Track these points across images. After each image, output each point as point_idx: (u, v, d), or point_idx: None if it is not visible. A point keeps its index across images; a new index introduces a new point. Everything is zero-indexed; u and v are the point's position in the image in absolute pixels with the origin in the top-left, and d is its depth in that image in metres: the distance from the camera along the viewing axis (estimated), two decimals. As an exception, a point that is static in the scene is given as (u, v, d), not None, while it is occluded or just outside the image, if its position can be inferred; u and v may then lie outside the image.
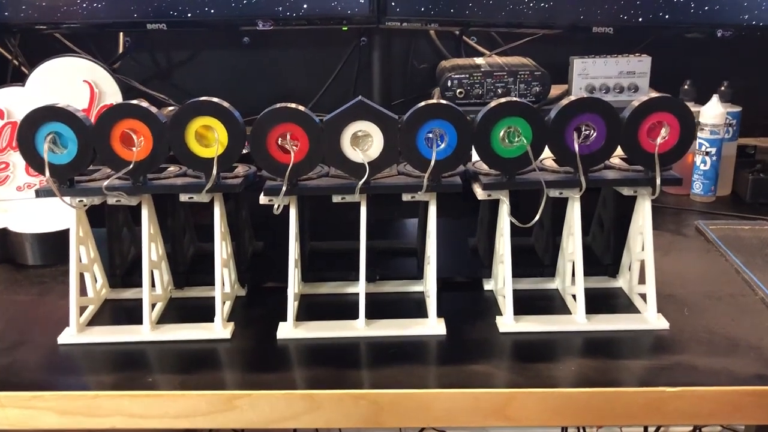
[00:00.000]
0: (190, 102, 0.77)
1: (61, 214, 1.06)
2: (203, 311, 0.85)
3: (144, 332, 0.81)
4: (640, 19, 1.26)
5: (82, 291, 0.85)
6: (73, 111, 0.78)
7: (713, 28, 1.24)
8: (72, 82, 1.09)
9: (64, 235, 0.99)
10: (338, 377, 0.73)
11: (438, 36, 1.51)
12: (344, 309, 0.85)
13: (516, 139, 0.79)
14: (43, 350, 0.79)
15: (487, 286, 0.91)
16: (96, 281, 0.88)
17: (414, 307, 0.87)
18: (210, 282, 0.83)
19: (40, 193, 0.80)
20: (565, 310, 0.85)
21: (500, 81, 1.28)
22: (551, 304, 0.87)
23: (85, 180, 0.81)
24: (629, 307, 0.86)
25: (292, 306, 0.81)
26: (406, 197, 0.81)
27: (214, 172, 0.78)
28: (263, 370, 0.75)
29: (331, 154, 0.79)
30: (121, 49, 1.42)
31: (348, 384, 0.72)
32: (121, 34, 1.43)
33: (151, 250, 0.83)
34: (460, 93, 1.27)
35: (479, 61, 1.38)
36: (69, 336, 0.80)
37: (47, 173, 0.77)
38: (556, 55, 1.33)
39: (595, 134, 0.78)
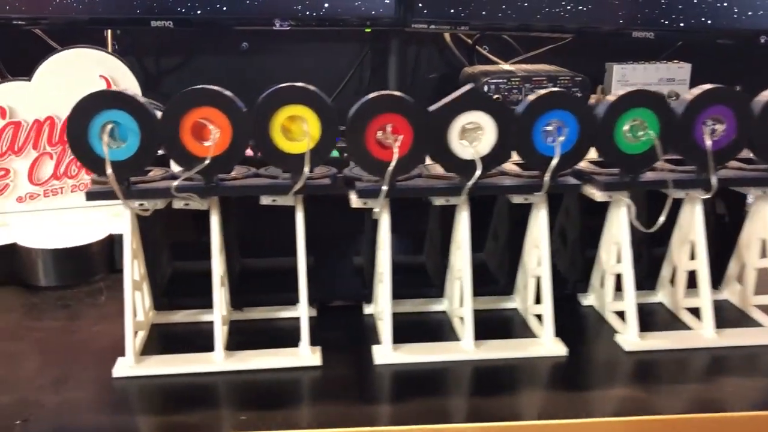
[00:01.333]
0: (276, 89, 0.66)
1: (76, 227, 0.92)
2: (271, 335, 0.73)
3: (217, 361, 0.68)
4: (681, 24, 1.21)
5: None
6: (135, 96, 0.65)
7: (756, 34, 1.20)
8: (86, 76, 0.95)
9: (80, 252, 0.86)
10: (460, 407, 0.62)
11: (447, 45, 1.43)
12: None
13: (640, 133, 0.71)
14: (94, 386, 0.65)
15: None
16: (144, 302, 0.75)
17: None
18: (264, 302, 0.73)
19: (90, 196, 0.67)
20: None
21: (540, 86, 1.20)
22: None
23: (138, 181, 0.69)
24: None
25: (388, 328, 0.70)
26: (517, 199, 0.72)
27: (306, 170, 0.66)
28: (380, 401, 0.63)
29: (437, 149, 0.69)
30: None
31: (484, 415, 0.61)
32: (109, 35, 1.29)
33: (217, 265, 0.71)
34: (497, 98, 1.20)
35: (507, 67, 1.31)
36: (125, 368, 0.67)
37: (109, 169, 0.64)
38: (570, 64, 1.28)
39: (724, 128, 0.71)
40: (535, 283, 0.75)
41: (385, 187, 0.67)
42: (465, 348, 0.71)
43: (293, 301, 0.73)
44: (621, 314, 0.75)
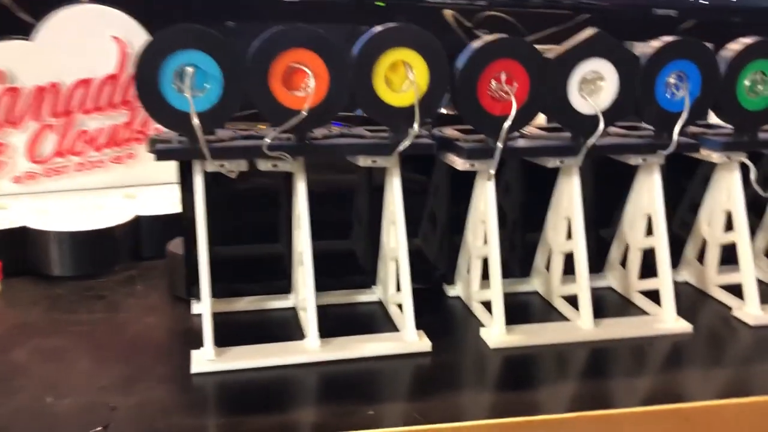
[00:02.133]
0: (383, 29, 0.57)
1: (95, 210, 0.79)
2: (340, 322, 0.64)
3: (311, 350, 0.58)
4: (707, 2, 1.18)
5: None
6: (218, 36, 0.55)
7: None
8: (96, 37, 0.82)
9: (102, 237, 0.74)
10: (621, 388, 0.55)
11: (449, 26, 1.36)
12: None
13: (760, 87, 0.65)
14: (170, 384, 0.54)
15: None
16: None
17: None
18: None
19: (160, 155, 0.56)
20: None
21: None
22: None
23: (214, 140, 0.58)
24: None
25: (499, 310, 0.62)
26: (636, 161, 0.65)
27: (416, 125, 0.57)
28: (513, 387, 0.55)
29: (554, 102, 0.61)
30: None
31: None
32: None
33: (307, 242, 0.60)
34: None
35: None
36: (204, 362, 0.56)
37: (195, 119, 0.53)
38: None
39: None
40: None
41: (500, 145, 0.59)
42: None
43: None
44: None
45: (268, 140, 0.55)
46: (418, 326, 0.60)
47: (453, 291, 0.71)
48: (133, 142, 0.87)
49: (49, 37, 0.81)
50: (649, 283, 0.68)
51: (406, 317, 0.60)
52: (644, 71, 0.62)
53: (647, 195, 0.67)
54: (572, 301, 0.66)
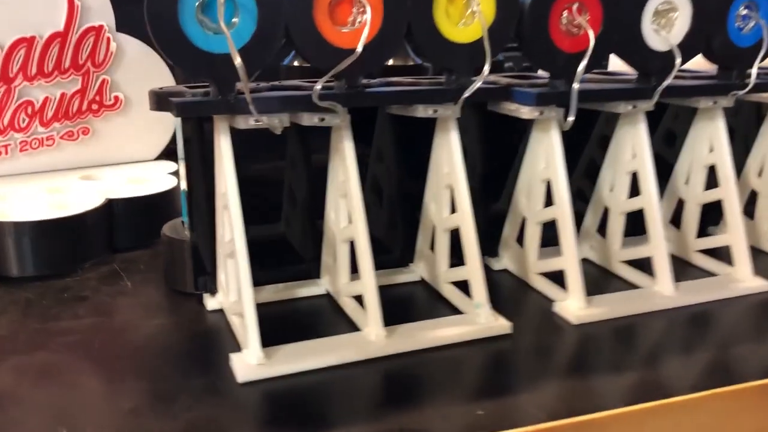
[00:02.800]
0: (439, -51, 0.47)
1: (50, 195, 0.65)
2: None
3: (376, 343, 0.47)
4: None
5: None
6: (250, -45, 0.43)
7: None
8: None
9: (69, 228, 0.60)
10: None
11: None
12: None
13: (825, 19, 0.60)
14: (217, 398, 0.42)
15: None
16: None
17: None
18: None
19: (183, 109, 0.44)
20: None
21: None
22: None
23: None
24: None
25: (577, 279, 0.53)
26: (705, 103, 0.58)
27: (486, 67, 0.48)
28: (631, 366, 0.46)
29: (625, 37, 0.53)
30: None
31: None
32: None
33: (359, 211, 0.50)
34: None
35: None
36: (251, 368, 0.44)
37: (237, 58, 0.41)
38: None
39: None
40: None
41: (576, 86, 0.51)
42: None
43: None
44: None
45: (318, 87, 0.44)
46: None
47: (498, 264, 0.62)
48: (87, 115, 0.73)
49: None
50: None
51: (477, 293, 0.51)
52: (716, 1, 0.55)
53: (715, 143, 0.60)
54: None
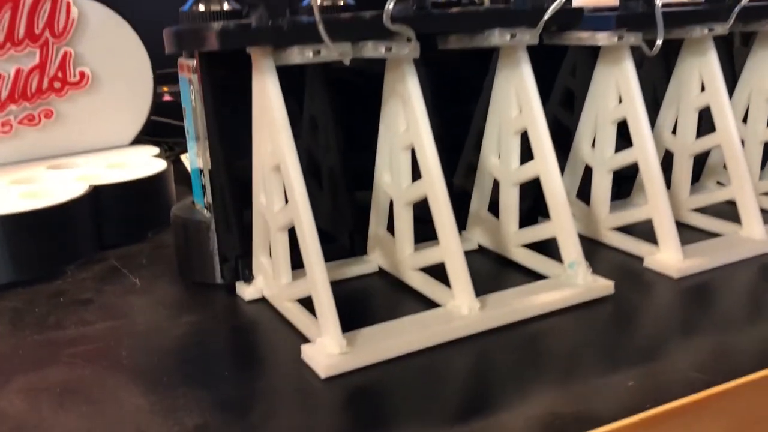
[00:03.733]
0: None
1: (32, 185, 0.54)
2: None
3: (467, 318, 0.39)
4: None
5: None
6: None
7: None
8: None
9: (51, 217, 0.51)
10: None
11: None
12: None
13: None
14: (303, 401, 0.33)
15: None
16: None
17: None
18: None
19: (230, 38, 0.34)
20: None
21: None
22: None
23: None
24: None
25: (672, 231, 0.46)
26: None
27: (568, -24, 0.41)
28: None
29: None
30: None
31: None
32: None
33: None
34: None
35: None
36: (333, 359, 0.35)
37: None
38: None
39: None
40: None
41: (659, 2, 0.44)
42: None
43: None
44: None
45: (390, 6, 0.36)
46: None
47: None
48: (49, 94, 0.62)
49: None
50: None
51: (569, 250, 0.43)
52: None
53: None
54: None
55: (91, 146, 0.65)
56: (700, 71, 0.51)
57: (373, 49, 0.38)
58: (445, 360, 0.37)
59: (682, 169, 0.54)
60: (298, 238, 0.38)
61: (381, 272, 0.48)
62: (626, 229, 0.51)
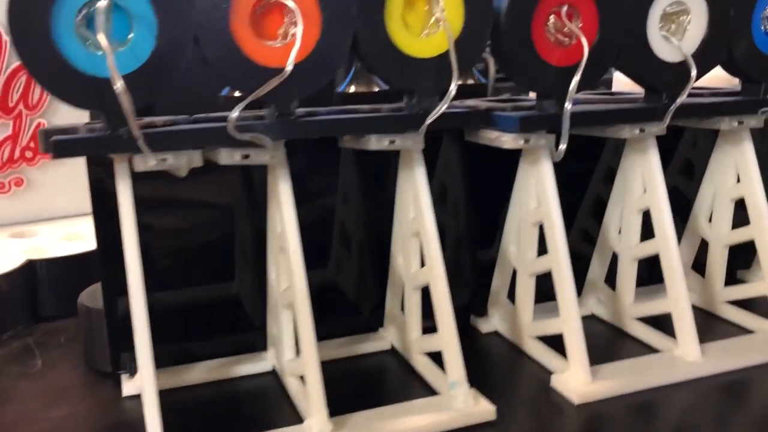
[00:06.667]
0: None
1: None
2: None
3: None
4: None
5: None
6: (144, -46, 0.34)
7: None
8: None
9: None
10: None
11: None
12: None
13: None
14: None
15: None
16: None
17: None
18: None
19: (61, 149, 0.34)
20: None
21: None
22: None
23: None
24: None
25: (579, 346, 0.43)
26: (729, 124, 0.48)
27: (452, 85, 0.38)
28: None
29: (630, 45, 0.43)
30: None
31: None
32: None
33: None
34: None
35: None
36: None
37: (119, 81, 0.32)
38: None
39: None
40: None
41: (568, 106, 0.41)
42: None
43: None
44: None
45: (234, 115, 0.35)
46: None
47: (487, 325, 0.52)
48: (20, 163, 0.65)
49: None
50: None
51: (453, 372, 0.40)
52: (737, 1, 0.46)
53: (743, 172, 0.50)
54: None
55: (60, 213, 0.67)
56: (641, 172, 0.48)
57: (227, 156, 0.37)
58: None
59: (627, 272, 0.50)
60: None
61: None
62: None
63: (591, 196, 0.56)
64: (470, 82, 0.55)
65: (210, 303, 0.50)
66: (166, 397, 0.42)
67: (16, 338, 0.52)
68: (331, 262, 0.53)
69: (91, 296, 0.48)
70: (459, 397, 0.40)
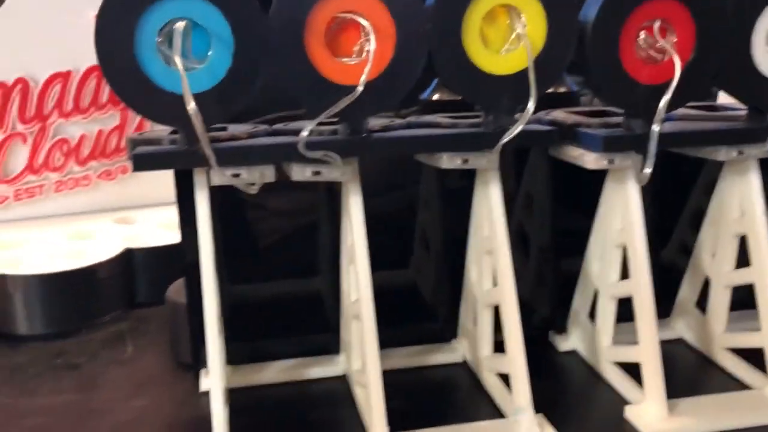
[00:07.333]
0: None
1: (73, 243, 0.60)
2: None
3: None
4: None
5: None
6: (224, -25, 0.35)
7: None
8: (74, 17, 0.64)
9: (81, 279, 0.55)
10: None
11: None
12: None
13: None
14: None
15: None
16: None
17: None
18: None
19: (139, 162, 0.36)
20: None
21: None
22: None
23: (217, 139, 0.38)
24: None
25: (657, 377, 0.41)
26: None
27: (531, 103, 0.37)
28: None
29: (734, 63, 0.41)
30: None
31: None
32: None
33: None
34: None
35: None
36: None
37: (191, 103, 0.33)
38: None
39: None
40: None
41: (656, 128, 0.39)
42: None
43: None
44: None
45: (305, 133, 0.35)
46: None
47: (565, 343, 0.50)
48: (126, 153, 0.68)
49: (11, 21, 0.63)
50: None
51: (519, 397, 0.40)
52: None
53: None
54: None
55: (162, 200, 0.70)
56: (740, 196, 0.45)
57: (299, 173, 0.37)
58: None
59: (720, 299, 0.47)
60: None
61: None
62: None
63: (692, 208, 0.53)
64: (561, 89, 0.53)
65: (289, 301, 0.51)
66: (237, 395, 0.44)
67: (112, 323, 0.55)
68: (412, 266, 0.53)
69: (178, 290, 0.50)
70: (523, 424, 0.39)
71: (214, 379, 0.38)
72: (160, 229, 0.63)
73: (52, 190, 0.67)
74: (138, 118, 0.68)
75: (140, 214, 0.67)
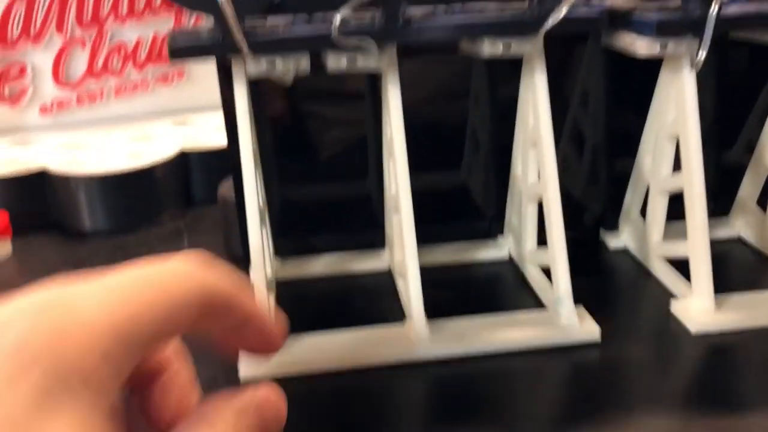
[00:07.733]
0: None
1: (132, 145, 0.62)
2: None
3: (417, 341, 0.38)
4: None
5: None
6: None
7: None
8: None
9: (140, 180, 0.56)
10: None
11: None
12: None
13: None
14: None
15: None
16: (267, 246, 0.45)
17: None
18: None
19: (175, 52, 0.36)
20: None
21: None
22: None
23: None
24: None
25: (705, 272, 0.40)
26: None
27: (574, -20, 0.36)
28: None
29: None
30: None
31: None
32: None
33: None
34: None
35: None
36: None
37: (221, -12, 0.33)
38: None
39: None
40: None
41: (715, 8, 0.36)
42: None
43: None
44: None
45: (338, 19, 0.35)
46: (575, 299, 0.39)
47: (616, 241, 0.50)
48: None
49: None
50: None
51: (559, 287, 0.39)
52: None
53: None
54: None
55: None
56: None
57: (334, 61, 0.37)
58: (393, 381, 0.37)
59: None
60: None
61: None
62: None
63: (762, 104, 0.51)
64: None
65: (338, 200, 0.52)
66: (286, 286, 0.45)
67: (169, 220, 0.57)
68: (464, 165, 0.53)
69: (230, 187, 0.51)
70: (563, 314, 0.39)
71: (256, 270, 0.39)
72: (215, 131, 0.64)
73: (113, 94, 0.68)
74: (193, 21, 0.68)
75: (197, 118, 0.68)
